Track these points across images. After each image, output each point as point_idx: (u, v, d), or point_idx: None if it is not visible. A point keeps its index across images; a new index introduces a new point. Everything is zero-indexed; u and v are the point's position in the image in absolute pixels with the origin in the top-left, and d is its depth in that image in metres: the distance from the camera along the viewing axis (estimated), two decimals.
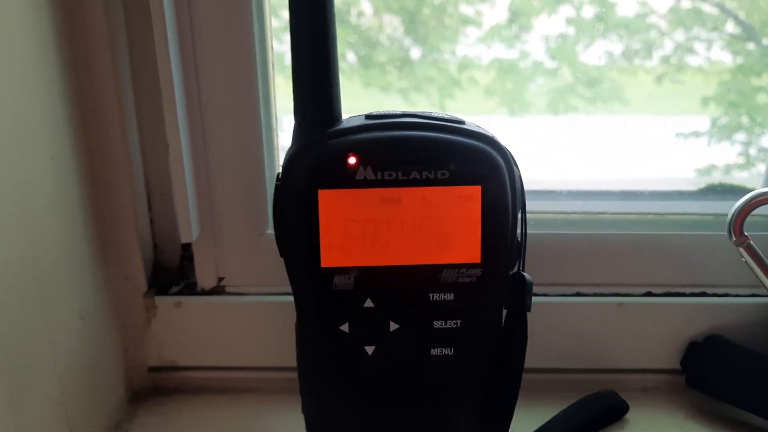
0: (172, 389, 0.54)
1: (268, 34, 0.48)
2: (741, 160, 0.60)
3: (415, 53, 0.60)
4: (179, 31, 0.45)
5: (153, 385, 0.54)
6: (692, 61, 0.58)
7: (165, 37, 0.43)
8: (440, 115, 0.36)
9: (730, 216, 0.43)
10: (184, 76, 0.46)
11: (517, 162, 0.36)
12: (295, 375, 0.39)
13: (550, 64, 0.59)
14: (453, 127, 0.35)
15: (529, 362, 0.39)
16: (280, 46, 0.50)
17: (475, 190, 0.35)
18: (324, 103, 0.35)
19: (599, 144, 0.62)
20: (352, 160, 0.34)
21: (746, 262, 0.43)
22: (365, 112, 0.36)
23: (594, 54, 0.58)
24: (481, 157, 0.35)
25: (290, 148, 0.36)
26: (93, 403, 0.46)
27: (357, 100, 0.58)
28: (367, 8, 0.58)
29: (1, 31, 0.35)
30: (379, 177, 0.34)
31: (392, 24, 0.59)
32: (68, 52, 0.42)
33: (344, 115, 0.36)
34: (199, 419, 0.51)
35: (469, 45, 0.59)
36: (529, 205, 0.37)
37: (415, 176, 0.34)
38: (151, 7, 0.43)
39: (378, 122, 0.35)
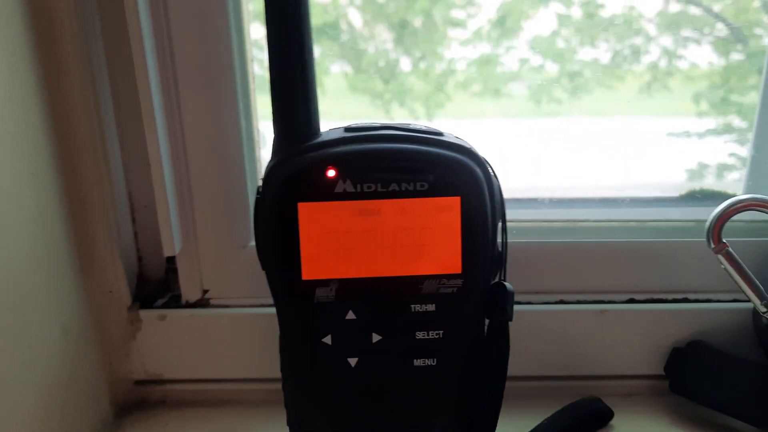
0: (158, 402, 0.54)
1: (248, 47, 0.48)
2: (731, 161, 0.60)
3: (404, 61, 0.60)
4: (157, 45, 0.45)
5: (139, 399, 0.53)
6: (681, 63, 0.59)
7: (143, 50, 0.43)
8: (419, 127, 0.36)
9: (708, 224, 0.43)
10: (163, 89, 0.46)
11: (496, 172, 0.36)
12: (280, 386, 0.39)
13: (537, 63, 0.59)
14: (431, 138, 0.35)
15: (512, 370, 0.39)
16: (260, 57, 0.50)
17: (455, 201, 0.35)
18: (302, 116, 0.35)
19: (588, 148, 0.62)
20: (331, 173, 0.34)
21: (725, 269, 0.44)
22: (344, 125, 0.36)
23: (582, 57, 0.59)
24: (460, 168, 0.35)
25: (270, 161, 0.36)
26: (76, 417, 0.46)
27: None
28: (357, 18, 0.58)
29: None
30: (359, 189, 0.34)
31: (381, 34, 0.59)
32: (45, 66, 0.42)
33: (323, 128, 0.36)
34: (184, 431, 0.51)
35: (456, 48, 0.59)
36: (511, 214, 0.37)
37: (394, 188, 0.34)
38: (127, 21, 0.43)
39: (357, 135, 0.35)
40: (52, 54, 0.43)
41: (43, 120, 0.42)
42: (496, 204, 0.36)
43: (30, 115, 0.40)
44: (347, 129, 0.36)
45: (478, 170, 0.35)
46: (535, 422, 0.48)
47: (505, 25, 0.58)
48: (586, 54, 0.59)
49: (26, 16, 0.40)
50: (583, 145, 0.62)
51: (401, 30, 0.59)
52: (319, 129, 0.36)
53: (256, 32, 0.49)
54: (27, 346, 0.40)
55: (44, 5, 0.42)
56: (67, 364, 0.44)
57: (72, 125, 0.45)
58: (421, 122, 0.37)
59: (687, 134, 0.60)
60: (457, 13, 0.59)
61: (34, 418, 0.41)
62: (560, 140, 0.62)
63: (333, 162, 0.34)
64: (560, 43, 0.58)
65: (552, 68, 0.60)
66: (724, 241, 0.43)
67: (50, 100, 0.42)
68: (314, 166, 0.34)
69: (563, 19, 0.57)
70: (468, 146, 0.36)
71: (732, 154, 0.60)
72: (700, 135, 0.60)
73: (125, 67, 0.47)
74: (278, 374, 0.39)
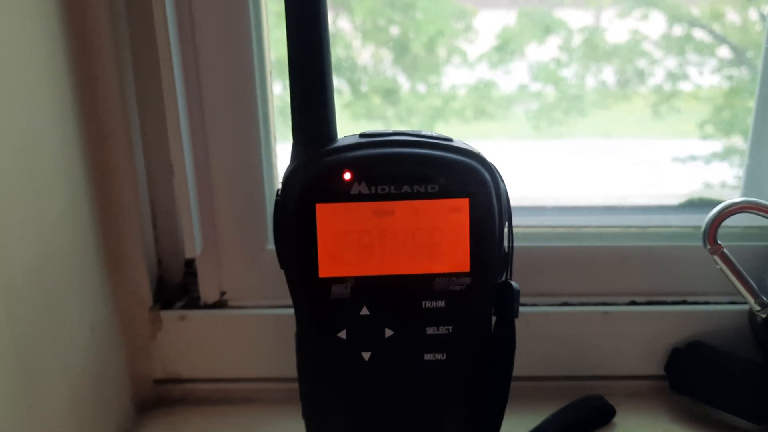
0: (177, 400, 0.55)
1: (267, 54, 0.50)
2: (736, 182, 0.62)
3: (404, 84, 0.62)
4: (183, 55, 0.48)
5: (158, 397, 0.55)
6: (686, 86, 0.60)
7: (170, 63, 0.46)
8: (429, 134, 0.38)
9: (704, 226, 0.45)
10: (188, 101, 0.49)
11: (503, 177, 0.38)
12: (295, 385, 0.41)
13: (539, 89, 0.61)
14: (442, 144, 0.37)
15: (517, 370, 0.40)
16: (278, 70, 0.53)
17: (464, 203, 0.36)
18: (320, 123, 0.37)
19: (594, 170, 0.65)
20: (347, 176, 0.36)
21: (721, 269, 0.45)
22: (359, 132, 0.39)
23: (588, 82, 0.60)
24: (469, 171, 0.36)
25: (289, 165, 0.38)
26: (101, 413, 0.48)
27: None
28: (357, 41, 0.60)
29: (18, 54, 0.38)
30: (373, 191, 0.36)
31: (379, 55, 0.61)
32: (78, 75, 0.44)
33: (339, 135, 0.38)
34: (202, 429, 0.52)
35: (457, 75, 0.61)
36: (517, 220, 0.39)
37: (406, 190, 0.36)
38: (156, 33, 0.45)
39: (371, 140, 0.37)
40: (87, 68, 0.45)
41: (76, 128, 0.44)
42: (503, 206, 0.38)
43: (65, 122, 0.43)
44: (362, 135, 0.38)
45: (486, 173, 0.37)
46: (538, 421, 0.49)
47: (505, 50, 0.60)
48: (590, 77, 0.61)
49: (64, 33, 0.43)
50: (588, 166, 0.64)
51: (401, 55, 0.61)
52: (336, 135, 0.38)
53: (275, 42, 0.51)
54: (59, 341, 0.42)
55: (80, 23, 0.44)
56: (94, 361, 0.46)
57: (103, 134, 0.47)
58: None
59: (693, 157, 0.62)
60: (460, 41, 0.61)
61: (66, 412, 0.43)
62: (562, 161, 0.64)
63: (349, 165, 0.36)
64: (562, 67, 0.60)
65: (550, 92, 0.61)
66: (719, 242, 0.45)
67: (84, 108, 0.45)
68: (331, 169, 0.36)
69: (566, 44, 0.59)
70: (476, 151, 0.37)
71: (737, 177, 0.62)
72: (706, 159, 0.62)
73: (151, 77, 0.49)
74: (294, 373, 0.40)
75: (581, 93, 0.61)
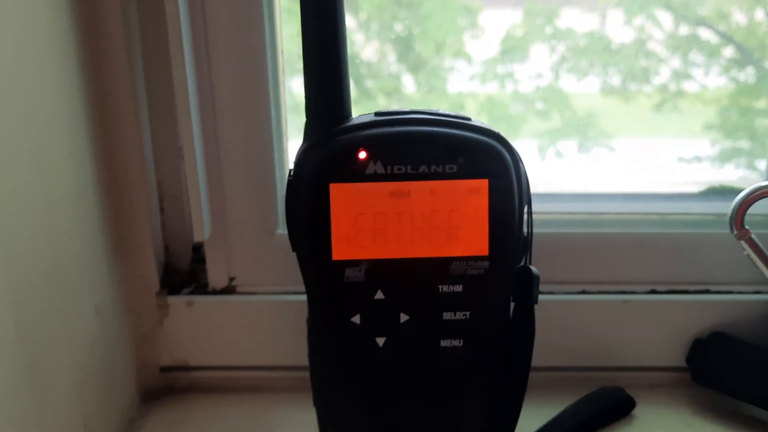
0: (184, 388, 0.54)
1: (279, 38, 0.49)
2: (743, 183, 0.61)
3: (409, 87, 0.61)
4: (193, 36, 0.47)
5: (165, 385, 0.54)
6: (691, 86, 0.59)
7: (180, 43, 0.45)
8: (447, 112, 0.37)
9: (731, 210, 0.44)
10: (197, 81, 0.48)
11: (522, 158, 0.37)
12: (305, 373, 0.40)
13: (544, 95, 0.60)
14: (460, 122, 0.36)
15: (535, 360, 0.39)
16: (290, 49, 0.52)
17: (483, 184, 0.35)
18: (334, 100, 0.36)
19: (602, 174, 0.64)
20: (362, 155, 0.35)
21: (748, 255, 0.44)
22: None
23: (592, 82, 0.59)
24: (488, 151, 0.35)
25: (302, 144, 0.37)
26: (107, 400, 0.47)
27: None
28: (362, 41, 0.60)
29: (28, 33, 0.37)
30: (389, 171, 0.35)
31: (384, 52, 0.61)
32: (87, 56, 0.43)
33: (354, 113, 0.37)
34: (210, 418, 0.51)
35: (462, 80, 0.60)
36: (534, 207, 0.38)
37: (423, 170, 0.35)
38: (167, 13, 0.44)
39: (387, 118, 0.36)
40: (95, 47, 0.44)
41: (83, 109, 0.43)
42: (523, 188, 0.37)
43: (73, 103, 0.42)
44: (377, 113, 0.37)
45: (506, 154, 0.36)
46: (556, 413, 0.48)
47: (510, 54, 0.59)
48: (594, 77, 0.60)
49: (73, 13, 0.42)
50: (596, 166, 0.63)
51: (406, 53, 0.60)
52: (350, 113, 0.37)
53: (287, 22, 0.50)
54: (64, 327, 0.41)
55: (89, 4, 0.43)
56: (99, 347, 0.45)
57: (110, 116, 0.46)
58: None
59: (698, 159, 0.61)
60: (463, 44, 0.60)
61: (70, 399, 0.42)
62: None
63: (364, 144, 0.35)
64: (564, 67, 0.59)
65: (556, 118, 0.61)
66: (746, 227, 0.44)
67: (90, 91, 0.44)
68: (346, 148, 0.35)
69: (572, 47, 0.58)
70: (496, 131, 0.36)
71: (743, 178, 0.62)
72: (712, 159, 0.61)
73: (160, 59, 0.48)
74: (304, 361, 0.39)
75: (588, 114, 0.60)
